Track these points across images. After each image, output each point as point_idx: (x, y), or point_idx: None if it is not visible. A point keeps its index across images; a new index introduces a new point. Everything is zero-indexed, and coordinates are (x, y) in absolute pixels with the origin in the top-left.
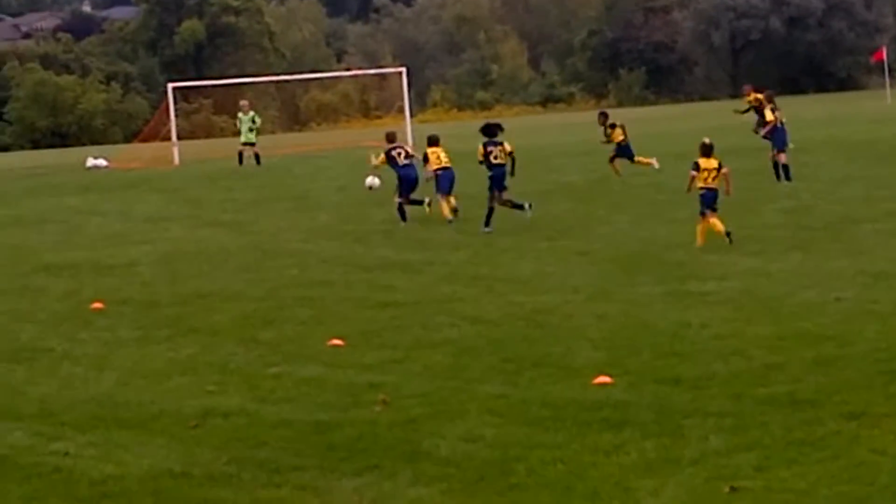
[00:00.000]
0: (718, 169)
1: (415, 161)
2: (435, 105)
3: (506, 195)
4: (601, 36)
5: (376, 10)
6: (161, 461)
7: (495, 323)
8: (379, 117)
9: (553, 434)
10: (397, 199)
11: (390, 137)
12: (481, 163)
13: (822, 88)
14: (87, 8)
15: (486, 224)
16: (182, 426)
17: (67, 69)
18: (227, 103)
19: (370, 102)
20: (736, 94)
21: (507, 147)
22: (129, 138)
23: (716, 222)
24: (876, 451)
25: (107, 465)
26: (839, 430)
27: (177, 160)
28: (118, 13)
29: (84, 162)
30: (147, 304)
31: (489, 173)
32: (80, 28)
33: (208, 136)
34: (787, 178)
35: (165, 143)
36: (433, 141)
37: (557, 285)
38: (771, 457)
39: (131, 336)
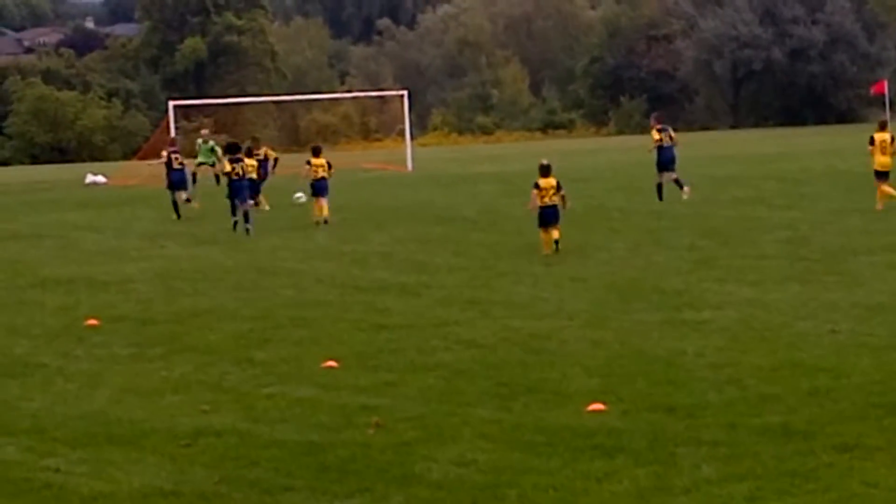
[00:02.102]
0: (557, 188)
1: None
2: (435, 129)
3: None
4: (603, 63)
5: (379, 33)
6: (152, 479)
7: (490, 347)
8: (379, 139)
9: (546, 460)
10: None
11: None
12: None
13: (822, 120)
14: (90, 24)
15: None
16: (174, 445)
17: (69, 85)
18: (227, 122)
19: (370, 124)
20: (736, 125)
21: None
22: (128, 155)
23: (553, 233)
24: (868, 484)
25: (98, 482)
26: (832, 462)
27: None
28: (121, 30)
29: (83, 178)
30: (142, 322)
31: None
32: (82, 44)
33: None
34: (681, 187)
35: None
36: (316, 152)
37: (553, 311)
38: (763, 487)
39: (125, 353)
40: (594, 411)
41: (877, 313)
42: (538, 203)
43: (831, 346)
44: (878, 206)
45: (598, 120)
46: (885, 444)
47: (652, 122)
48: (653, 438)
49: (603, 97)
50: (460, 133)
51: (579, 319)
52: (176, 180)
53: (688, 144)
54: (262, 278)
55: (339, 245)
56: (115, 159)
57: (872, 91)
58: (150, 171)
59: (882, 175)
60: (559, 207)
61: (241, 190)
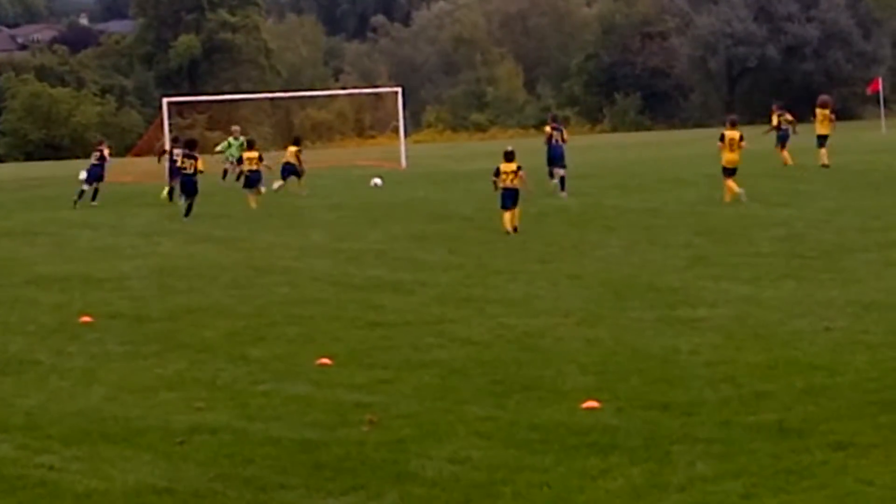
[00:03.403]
0: (516, 171)
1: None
2: (429, 125)
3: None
4: (598, 60)
5: (374, 30)
6: (146, 477)
7: (485, 345)
8: (373, 136)
9: (540, 457)
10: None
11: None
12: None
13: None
14: (84, 21)
15: None
16: (168, 442)
17: (63, 81)
18: (221, 119)
19: (365, 121)
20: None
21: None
22: (122, 152)
23: (513, 216)
24: (863, 482)
25: (92, 479)
26: (827, 460)
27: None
28: (115, 27)
29: (77, 175)
30: (136, 319)
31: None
32: (76, 40)
33: (202, 151)
34: (562, 188)
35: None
36: (251, 145)
37: (548, 308)
38: (758, 484)
39: (120, 350)
40: (589, 409)
41: (872, 311)
42: (500, 186)
43: (826, 344)
44: (727, 199)
45: (592, 117)
46: (880, 441)
47: (549, 120)
48: (648, 436)
49: (598, 94)
50: (455, 130)
51: (574, 317)
52: (188, 185)
53: (683, 142)
54: (256, 276)
55: (335, 243)
56: (110, 156)
57: (868, 90)
58: (146, 168)
59: (729, 171)
60: (519, 190)
61: (191, 185)
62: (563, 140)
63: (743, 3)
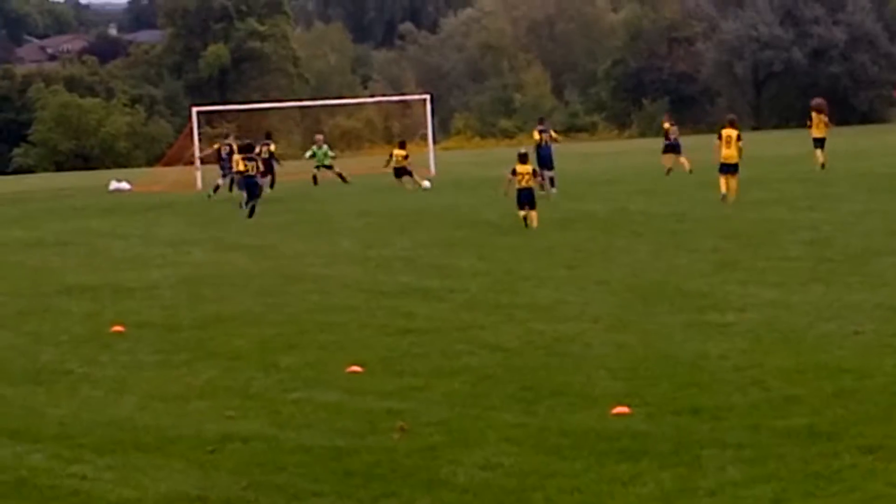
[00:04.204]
0: (533, 174)
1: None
2: (458, 133)
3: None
4: (625, 65)
5: (401, 37)
6: (179, 485)
7: (515, 351)
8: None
9: (571, 463)
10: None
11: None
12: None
13: (844, 121)
14: (113, 31)
15: None
16: (200, 451)
17: (92, 92)
18: (250, 128)
19: (393, 129)
20: (758, 126)
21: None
22: (152, 162)
23: (531, 214)
24: (892, 485)
25: (124, 488)
26: (856, 464)
27: (199, 184)
28: (144, 37)
29: (107, 185)
30: (167, 328)
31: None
32: (105, 51)
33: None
34: (553, 185)
35: (188, 167)
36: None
37: (577, 314)
38: (788, 489)
39: (151, 359)
40: (619, 414)
41: None
42: (516, 186)
43: (855, 348)
44: (722, 190)
45: (620, 122)
46: None
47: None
48: (677, 441)
49: (625, 100)
50: (483, 137)
51: (603, 322)
52: (251, 187)
53: (709, 146)
54: (287, 284)
55: (364, 250)
56: (139, 166)
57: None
58: (176, 177)
59: (726, 168)
60: (534, 190)
61: (254, 187)
62: (553, 140)
63: (769, 8)
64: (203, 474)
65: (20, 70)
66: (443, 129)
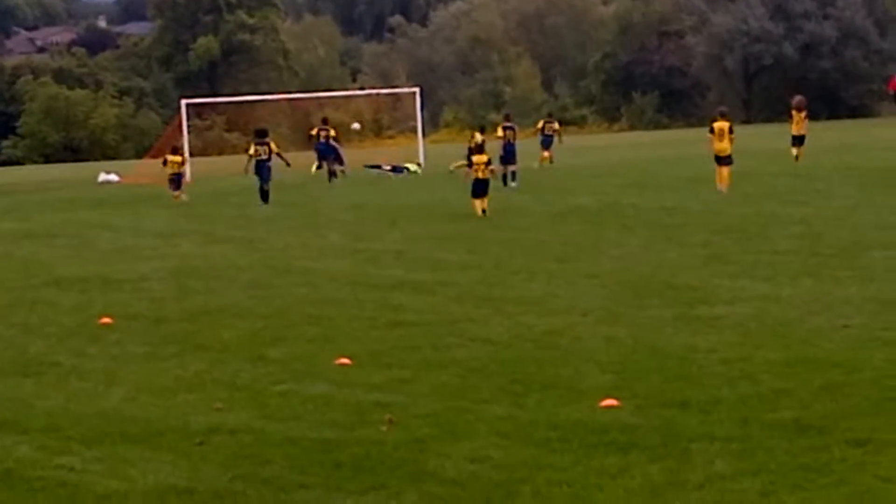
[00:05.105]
0: (487, 163)
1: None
2: (447, 125)
3: None
4: (615, 59)
5: (391, 30)
6: (166, 477)
7: (504, 344)
8: (391, 137)
9: (559, 456)
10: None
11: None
12: None
13: (834, 115)
14: (102, 23)
15: None
16: (188, 442)
17: (81, 83)
18: (239, 120)
19: (383, 122)
20: (749, 120)
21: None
22: (140, 154)
23: (482, 203)
24: (882, 479)
25: (112, 480)
26: (845, 457)
27: (188, 176)
28: (133, 29)
29: (96, 177)
30: (156, 320)
31: None
32: (94, 43)
33: (220, 153)
34: (514, 179)
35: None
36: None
37: (567, 307)
38: (776, 482)
39: (139, 351)
40: (607, 407)
41: (890, 308)
42: (472, 176)
43: (845, 341)
44: (718, 182)
45: (610, 116)
46: None
47: (501, 120)
48: (666, 434)
49: (615, 93)
50: (472, 130)
51: (592, 316)
52: (263, 170)
53: (700, 140)
54: (275, 276)
55: (354, 243)
56: (128, 158)
57: (888, 88)
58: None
59: (720, 160)
60: (490, 179)
61: (265, 170)
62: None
63: (759, 2)
64: (191, 466)
65: (9, 62)
66: (432, 122)
